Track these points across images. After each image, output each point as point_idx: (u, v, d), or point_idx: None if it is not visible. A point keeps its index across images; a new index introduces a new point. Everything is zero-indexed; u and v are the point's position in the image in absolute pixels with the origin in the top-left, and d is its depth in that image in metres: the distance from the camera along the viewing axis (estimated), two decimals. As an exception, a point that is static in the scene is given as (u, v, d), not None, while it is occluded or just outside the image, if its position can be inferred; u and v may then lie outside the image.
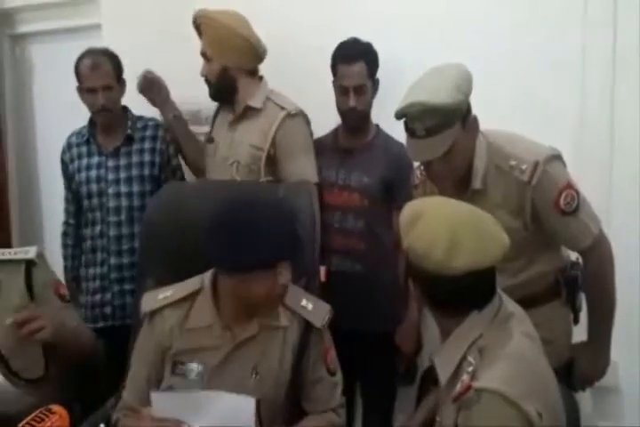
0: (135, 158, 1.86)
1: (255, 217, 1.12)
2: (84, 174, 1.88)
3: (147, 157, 1.87)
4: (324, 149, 1.82)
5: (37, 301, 1.41)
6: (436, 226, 1.04)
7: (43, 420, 1.01)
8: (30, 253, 1.43)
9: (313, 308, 1.25)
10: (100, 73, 1.80)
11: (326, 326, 1.26)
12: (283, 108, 1.71)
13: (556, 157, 1.34)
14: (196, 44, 2.19)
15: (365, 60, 1.69)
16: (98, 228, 1.87)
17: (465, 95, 1.27)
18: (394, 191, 1.72)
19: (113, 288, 1.85)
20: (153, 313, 1.25)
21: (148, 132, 1.90)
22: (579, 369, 1.42)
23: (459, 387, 0.99)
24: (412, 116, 1.27)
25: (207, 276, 1.26)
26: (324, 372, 1.26)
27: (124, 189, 1.85)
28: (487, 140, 1.36)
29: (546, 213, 1.32)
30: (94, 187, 1.86)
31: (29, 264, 1.42)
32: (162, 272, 1.41)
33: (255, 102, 1.74)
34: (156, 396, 1.12)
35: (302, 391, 1.25)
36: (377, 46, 1.73)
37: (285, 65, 1.97)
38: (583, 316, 1.46)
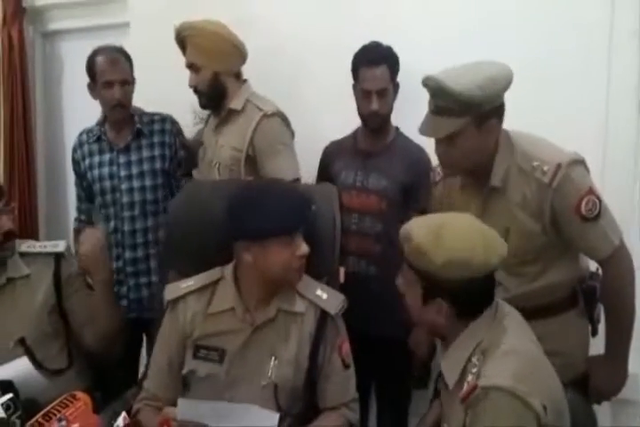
0: (146, 153, 1.89)
1: (273, 191, 1.26)
2: (96, 172, 1.90)
3: (157, 151, 1.89)
4: (343, 150, 1.83)
5: (65, 291, 1.45)
6: (467, 232, 1.08)
7: (67, 406, 1.04)
8: (60, 246, 1.48)
9: (327, 297, 1.29)
10: (118, 67, 1.84)
11: (340, 314, 1.29)
12: (260, 110, 1.72)
13: (580, 162, 1.33)
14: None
15: (388, 64, 1.70)
16: (112, 223, 1.89)
17: (486, 95, 1.26)
18: (412, 194, 1.72)
19: (129, 282, 1.88)
20: (176, 301, 1.31)
21: (156, 126, 1.92)
22: (594, 383, 1.40)
23: (465, 387, 1.02)
24: (428, 89, 1.30)
25: (228, 267, 1.32)
26: (339, 364, 1.28)
27: (136, 184, 1.88)
28: (512, 139, 1.36)
29: (566, 217, 1.32)
30: (107, 184, 1.89)
31: (59, 257, 1.46)
32: (184, 265, 1.45)
33: (236, 105, 1.76)
34: (182, 402, 1.15)
35: (316, 386, 1.27)
36: (397, 51, 1.75)
37: (302, 70, 2.04)
38: (602, 328, 1.44)
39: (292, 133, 1.79)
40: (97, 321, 1.47)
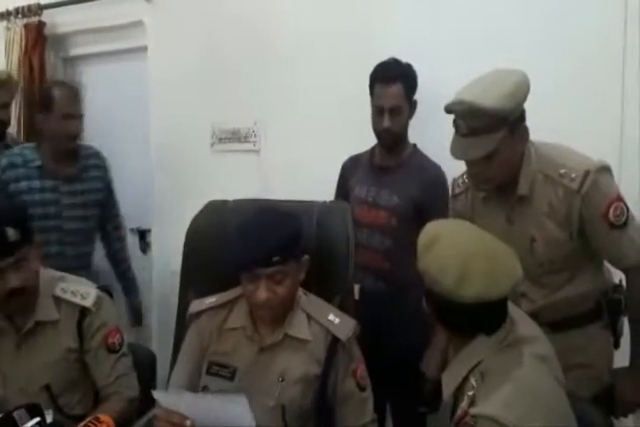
0: None
1: (258, 224, 1.23)
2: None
3: None
4: (359, 165, 1.83)
5: (85, 347, 1.41)
6: (449, 254, 1.04)
7: (92, 428, 1.06)
8: (89, 299, 1.40)
9: (339, 322, 1.28)
10: (77, 101, 1.95)
11: (352, 340, 1.29)
12: None
13: (607, 169, 1.33)
14: (236, 66, 2.28)
15: (403, 82, 1.69)
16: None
17: (516, 103, 1.27)
18: (425, 212, 1.66)
19: None
20: (198, 314, 1.33)
21: None
22: (620, 395, 1.38)
23: (458, 412, 1.01)
24: (457, 113, 1.29)
25: None
26: (354, 387, 1.27)
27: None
28: (537, 149, 1.36)
29: (593, 224, 1.31)
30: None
31: (84, 311, 1.40)
32: (202, 284, 1.46)
33: None
34: (158, 395, 1.12)
35: (333, 408, 1.26)
36: (417, 66, 1.72)
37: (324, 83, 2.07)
38: (625, 341, 1.42)
39: None
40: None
